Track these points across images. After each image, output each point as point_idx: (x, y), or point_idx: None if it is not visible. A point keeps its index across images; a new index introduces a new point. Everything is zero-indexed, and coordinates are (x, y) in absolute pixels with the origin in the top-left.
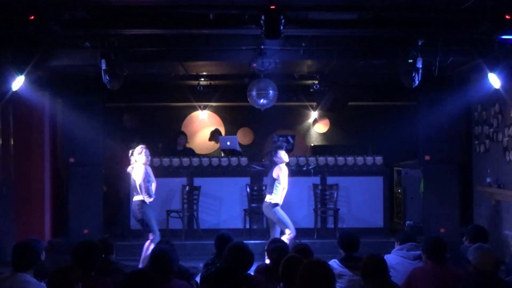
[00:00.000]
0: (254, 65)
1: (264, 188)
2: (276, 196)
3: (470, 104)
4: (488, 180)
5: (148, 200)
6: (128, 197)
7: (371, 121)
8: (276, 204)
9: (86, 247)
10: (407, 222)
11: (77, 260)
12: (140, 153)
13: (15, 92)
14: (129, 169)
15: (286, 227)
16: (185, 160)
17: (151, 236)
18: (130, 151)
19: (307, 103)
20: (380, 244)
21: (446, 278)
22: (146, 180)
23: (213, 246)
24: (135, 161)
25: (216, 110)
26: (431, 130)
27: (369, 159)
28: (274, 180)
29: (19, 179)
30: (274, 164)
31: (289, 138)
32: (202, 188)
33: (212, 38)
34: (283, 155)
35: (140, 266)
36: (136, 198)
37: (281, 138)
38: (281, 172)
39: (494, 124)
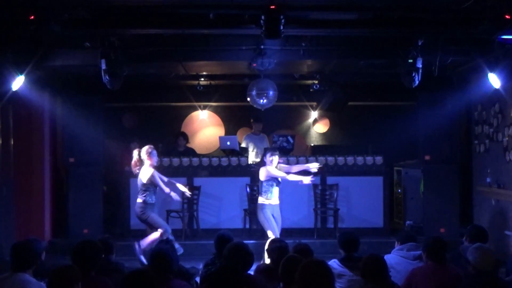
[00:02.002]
0: (254, 65)
1: None
2: (263, 197)
3: (470, 104)
4: (488, 180)
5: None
6: (129, 197)
7: (371, 121)
8: (263, 206)
9: (86, 247)
10: (407, 222)
11: (77, 260)
12: (150, 153)
13: (15, 92)
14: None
15: (269, 229)
16: (185, 160)
17: (161, 230)
18: (137, 151)
19: (307, 103)
20: (380, 244)
21: (446, 278)
22: (161, 180)
23: (213, 246)
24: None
25: (216, 110)
26: (431, 130)
27: (369, 159)
28: (261, 182)
29: (19, 179)
30: (263, 164)
31: (289, 138)
32: (202, 188)
33: (212, 38)
34: (274, 159)
35: (142, 257)
36: (138, 199)
37: (281, 138)
38: (269, 173)
39: (494, 124)
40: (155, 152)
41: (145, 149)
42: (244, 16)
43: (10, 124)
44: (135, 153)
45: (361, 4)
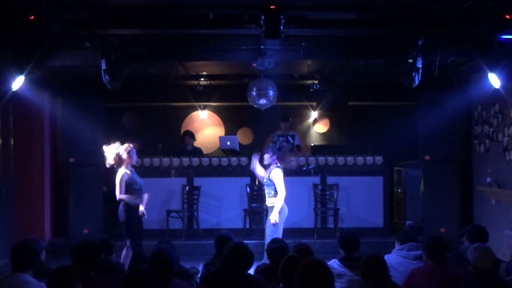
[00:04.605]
0: (254, 65)
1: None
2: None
3: (470, 104)
4: (488, 179)
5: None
6: None
7: (371, 121)
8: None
9: (86, 247)
10: (407, 222)
11: (77, 260)
12: (128, 151)
13: (15, 92)
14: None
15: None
16: (185, 160)
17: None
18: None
19: (307, 103)
20: (380, 244)
21: (447, 278)
22: (134, 182)
23: (213, 246)
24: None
25: (216, 110)
26: (431, 130)
27: (369, 159)
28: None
29: (19, 179)
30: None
31: (289, 138)
32: (202, 188)
33: (212, 38)
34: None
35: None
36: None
37: (281, 138)
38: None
39: (494, 123)
40: (134, 151)
41: (124, 147)
42: (244, 16)
43: (10, 124)
44: (112, 149)
45: (361, 4)
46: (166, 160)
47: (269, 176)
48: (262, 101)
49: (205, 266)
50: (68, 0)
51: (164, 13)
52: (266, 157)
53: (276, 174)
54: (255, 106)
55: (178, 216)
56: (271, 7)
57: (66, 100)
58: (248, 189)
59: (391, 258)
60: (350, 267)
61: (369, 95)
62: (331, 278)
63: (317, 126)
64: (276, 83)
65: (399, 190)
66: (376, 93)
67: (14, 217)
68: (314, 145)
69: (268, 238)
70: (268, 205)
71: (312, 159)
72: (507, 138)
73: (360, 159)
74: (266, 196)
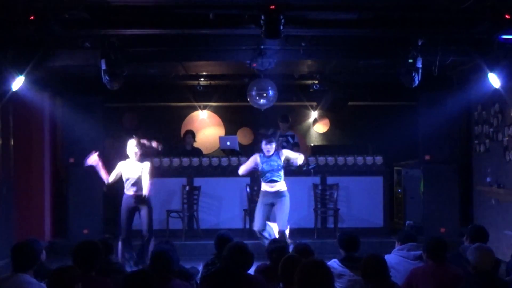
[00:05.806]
0: (254, 65)
1: None
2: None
3: (470, 104)
4: (488, 179)
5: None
6: None
7: (371, 121)
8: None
9: (86, 247)
10: (407, 222)
11: (78, 260)
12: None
13: (15, 92)
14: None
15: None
16: (185, 160)
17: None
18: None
19: (307, 103)
20: (380, 244)
21: (446, 277)
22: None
23: (213, 246)
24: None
25: (216, 110)
26: (431, 130)
27: (369, 159)
28: None
29: (19, 179)
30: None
31: (289, 138)
32: (202, 188)
33: (212, 38)
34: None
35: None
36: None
37: (281, 138)
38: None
39: (494, 123)
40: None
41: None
42: (244, 16)
43: (10, 124)
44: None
45: (361, 4)
46: (166, 160)
47: (280, 158)
48: (262, 101)
49: (205, 266)
50: (68, 0)
51: (164, 13)
52: (273, 146)
53: (286, 151)
54: (255, 106)
55: (178, 216)
56: (271, 7)
57: (66, 100)
58: (248, 189)
59: (391, 258)
60: (350, 267)
61: (369, 95)
62: (331, 278)
63: (317, 126)
64: (276, 83)
65: (399, 190)
66: (376, 93)
67: (14, 217)
68: (314, 145)
69: (285, 223)
70: (280, 190)
71: (312, 159)
72: (507, 138)
73: (360, 159)
74: (276, 180)
